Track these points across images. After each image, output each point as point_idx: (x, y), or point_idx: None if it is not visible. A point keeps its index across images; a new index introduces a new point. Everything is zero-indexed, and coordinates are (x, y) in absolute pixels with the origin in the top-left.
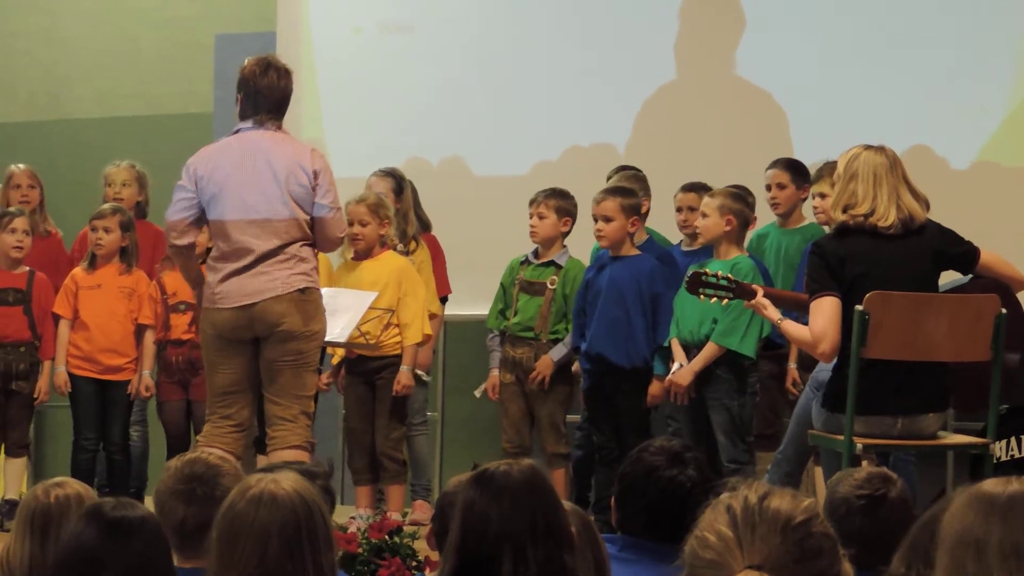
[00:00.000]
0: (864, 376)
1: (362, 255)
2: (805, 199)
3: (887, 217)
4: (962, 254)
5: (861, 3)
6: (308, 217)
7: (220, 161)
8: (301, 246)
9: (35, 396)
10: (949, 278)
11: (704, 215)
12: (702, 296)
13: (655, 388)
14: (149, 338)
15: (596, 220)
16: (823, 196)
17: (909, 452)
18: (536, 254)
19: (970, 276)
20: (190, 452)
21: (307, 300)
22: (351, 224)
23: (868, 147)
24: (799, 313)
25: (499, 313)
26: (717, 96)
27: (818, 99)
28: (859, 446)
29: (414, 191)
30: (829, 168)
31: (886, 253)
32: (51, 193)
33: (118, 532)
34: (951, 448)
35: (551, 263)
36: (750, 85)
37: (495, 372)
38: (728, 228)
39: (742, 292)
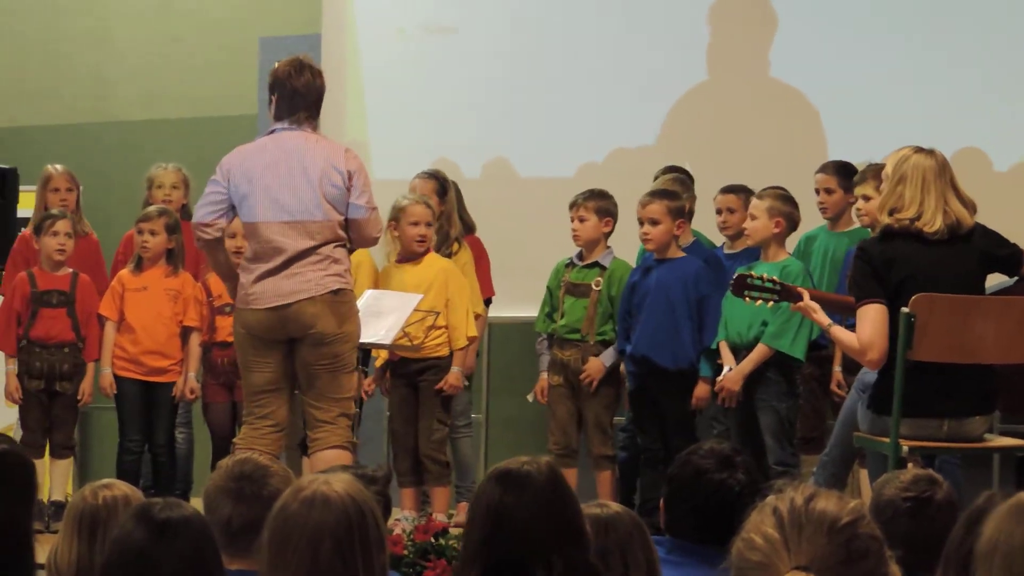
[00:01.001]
0: (910, 378)
1: (420, 257)
2: (854, 203)
3: (933, 223)
4: (1008, 256)
5: (900, 2)
6: (342, 218)
7: (254, 161)
8: (335, 247)
9: (79, 398)
10: (994, 281)
11: (753, 217)
12: (747, 299)
13: (701, 390)
14: (195, 340)
15: (642, 223)
16: (867, 198)
17: (955, 455)
18: (580, 256)
19: (1016, 278)
20: (241, 452)
21: (340, 301)
22: (416, 224)
23: (918, 150)
24: (843, 316)
25: (546, 316)
26: (759, 98)
27: (860, 99)
28: (905, 448)
29: (458, 193)
30: (873, 170)
31: (932, 256)
32: (97, 195)
33: (166, 532)
34: (997, 451)
35: (595, 264)
36: (791, 86)
37: (544, 375)
38: (777, 230)
39: (788, 295)
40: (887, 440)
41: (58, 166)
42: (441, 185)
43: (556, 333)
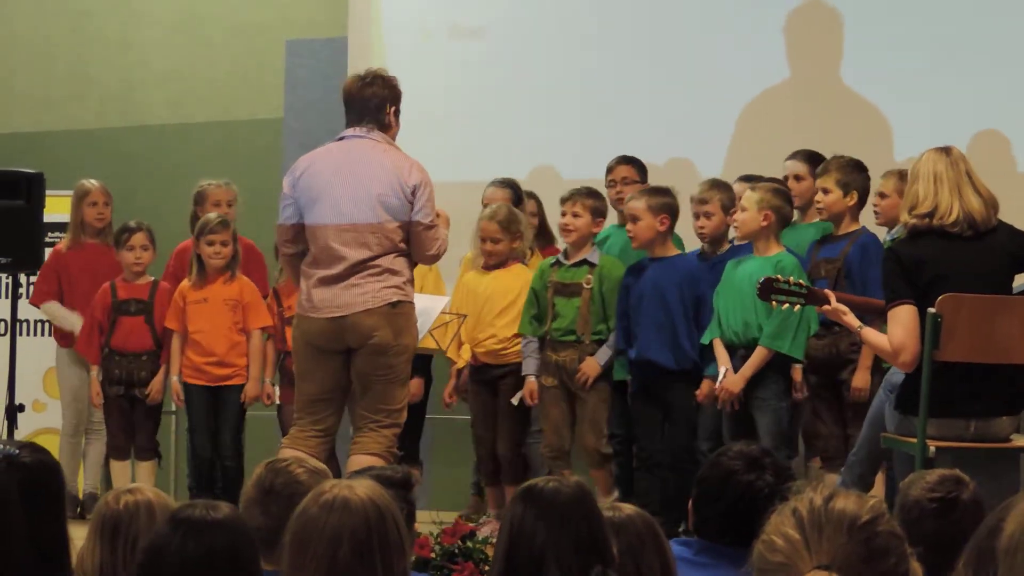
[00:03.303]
0: (937, 379)
1: (493, 267)
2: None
3: (951, 213)
4: None
5: (958, 10)
6: (398, 227)
7: (321, 166)
8: (395, 258)
9: (147, 391)
10: (1021, 280)
11: (743, 209)
12: (774, 302)
13: (706, 388)
14: (270, 348)
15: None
16: (826, 191)
17: (981, 457)
18: (566, 255)
19: None
20: (280, 461)
21: (398, 313)
22: (483, 241)
23: (934, 149)
24: (871, 317)
25: (532, 319)
26: (795, 104)
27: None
28: (932, 449)
29: (539, 203)
30: (836, 163)
31: (960, 255)
32: (125, 199)
33: (187, 528)
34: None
35: (583, 262)
36: (836, 91)
37: (532, 378)
38: (765, 223)
39: (814, 298)
40: (914, 440)
41: (94, 181)
42: (515, 194)
43: (550, 336)
